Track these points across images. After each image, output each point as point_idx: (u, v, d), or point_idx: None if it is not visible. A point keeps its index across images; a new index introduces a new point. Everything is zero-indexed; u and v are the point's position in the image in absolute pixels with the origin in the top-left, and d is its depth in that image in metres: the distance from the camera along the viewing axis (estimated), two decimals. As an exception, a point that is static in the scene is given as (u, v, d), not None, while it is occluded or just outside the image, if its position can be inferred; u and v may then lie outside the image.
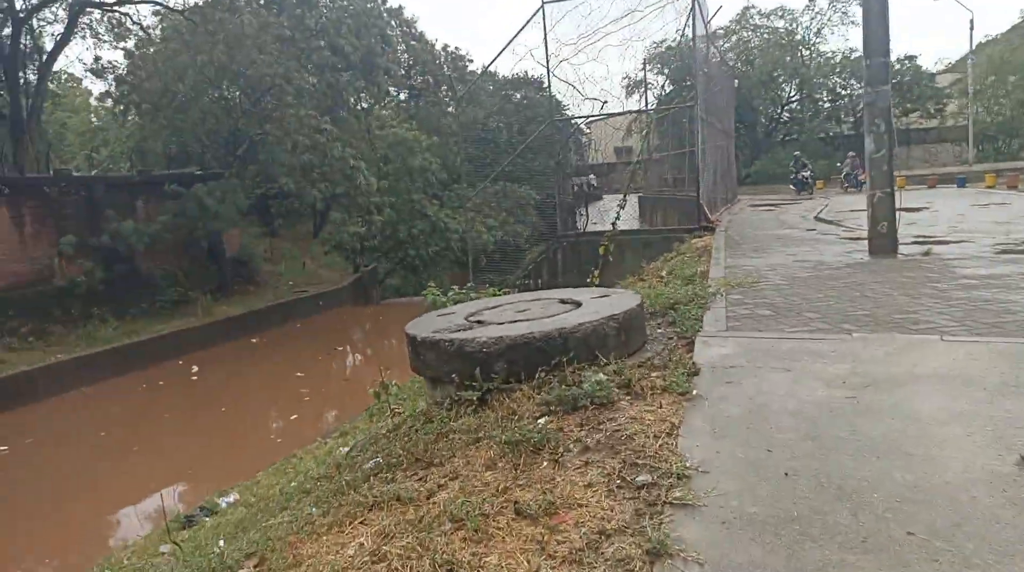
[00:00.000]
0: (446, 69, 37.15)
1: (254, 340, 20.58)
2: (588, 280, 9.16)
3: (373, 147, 24.44)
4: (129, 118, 27.15)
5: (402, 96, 39.08)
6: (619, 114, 22.23)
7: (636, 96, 37.62)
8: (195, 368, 17.52)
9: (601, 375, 3.71)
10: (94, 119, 38.07)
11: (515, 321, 4.30)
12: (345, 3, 27.21)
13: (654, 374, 3.79)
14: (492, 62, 29.19)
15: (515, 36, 13.63)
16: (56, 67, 29.24)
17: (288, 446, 11.37)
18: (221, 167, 23.77)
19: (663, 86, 38.20)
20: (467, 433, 3.47)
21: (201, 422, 13.54)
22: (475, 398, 3.79)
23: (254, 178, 21.65)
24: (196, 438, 12.75)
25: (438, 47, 37.54)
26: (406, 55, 35.49)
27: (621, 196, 11.31)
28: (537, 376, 3.77)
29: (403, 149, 26.73)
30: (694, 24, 16.94)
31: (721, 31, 43.60)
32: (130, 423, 13.79)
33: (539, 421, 3.40)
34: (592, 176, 38.94)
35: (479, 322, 4.46)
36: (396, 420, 5.01)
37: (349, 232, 21.49)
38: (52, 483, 10.94)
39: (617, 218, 9.90)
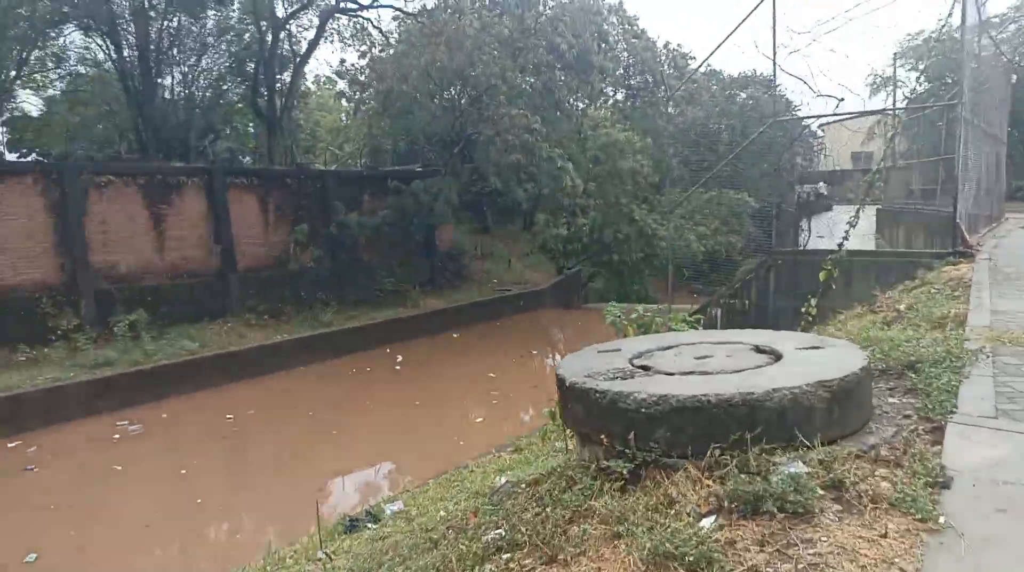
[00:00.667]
0: (667, 67, 35.75)
1: (455, 335, 21.18)
2: (803, 309, 7.80)
3: (584, 148, 24.09)
4: (360, 117, 29.56)
5: (619, 96, 38.42)
6: (858, 114, 19.55)
7: (883, 95, 33.38)
8: (400, 357, 18.35)
9: (800, 466, 2.74)
10: (344, 118, 42.26)
11: (689, 373, 3.43)
12: (565, 0, 27.12)
13: (879, 474, 2.72)
14: (712, 53, 27.25)
15: (739, 25, 12.27)
16: (307, 70, 32.66)
17: (469, 450, 11.23)
18: (440, 164, 24.89)
19: (917, 81, 33.46)
20: (607, 522, 2.71)
21: (396, 413, 14.00)
22: (625, 471, 3.01)
23: (469, 176, 22.33)
24: (389, 429, 13.18)
25: (659, 45, 36.27)
26: (626, 53, 34.70)
27: (854, 209, 9.59)
28: (709, 454, 2.89)
29: (614, 151, 26.01)
30: (964, 9, 14.24)
31: (996, 19, 37.21)
32: (335, 405, 14.68)
33: (702, 523, 2.54)
34: (822, 184, 35.30)
35: (644, 368, 3.64)
36: (546, 466, 4.35)
37: (551, 234, 21.33)
38: (261, 455, 11.87)
39: (846, 238, 8.33)
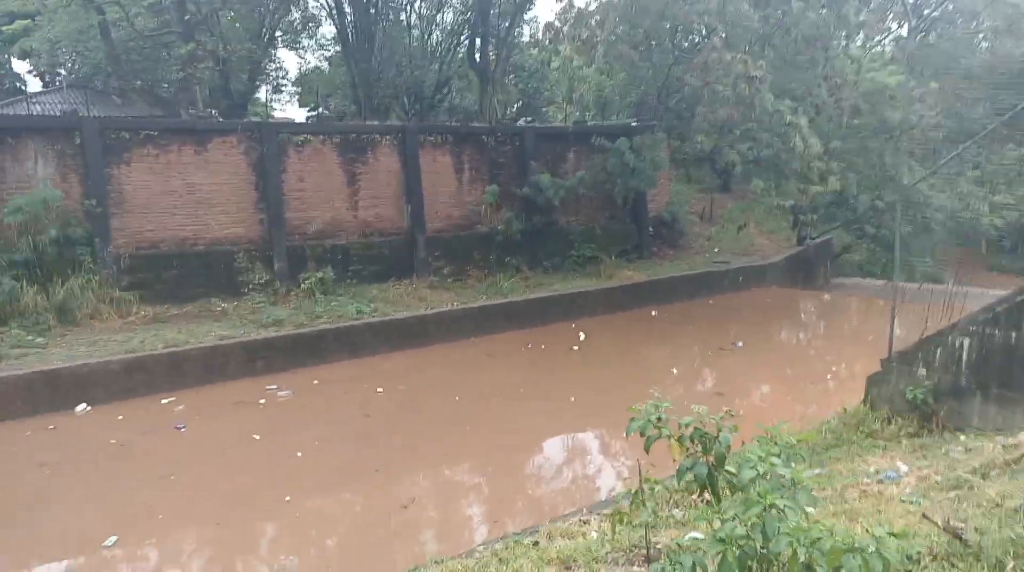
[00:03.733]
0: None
1: (653, 312, 18.46)
2: None
3: (838, 98, 19.31)
4: (591, 66, 27.18)
5: (904, 30, 31.20)
6: None
7: None
8: (582, 336, 16.25)
9: None
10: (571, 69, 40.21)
11: None
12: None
13: None
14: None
15: None
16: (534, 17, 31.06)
17: (584, 492, 8.99)
18: (656, 119, 21.85)
19: None
20: None
21: (544, 412, 11.98)
22: None
23: (682, 133, 19.12)
24: (523, 432, 11.21)
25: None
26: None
27: None
28: None
29: (881, 99, 20.68)
30: None
31: None
32: (489, 390, 13.07)
33: None
34: None
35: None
36: None
37: (770, 204, 17.39)
38: (387, 446, 10.66)
39: None
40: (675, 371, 13.84)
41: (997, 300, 8.06)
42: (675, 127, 22.06)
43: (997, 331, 7.92)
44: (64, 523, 8.30)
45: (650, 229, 22.17)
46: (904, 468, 6.51)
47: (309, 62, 31.94)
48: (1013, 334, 7.76)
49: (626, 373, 13.78)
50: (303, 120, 30.49)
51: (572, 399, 12.12)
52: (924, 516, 3.65)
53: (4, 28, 27.98)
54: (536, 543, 6.26)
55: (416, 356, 14.97)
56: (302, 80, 32.31)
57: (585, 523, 6.62)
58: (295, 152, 17.57)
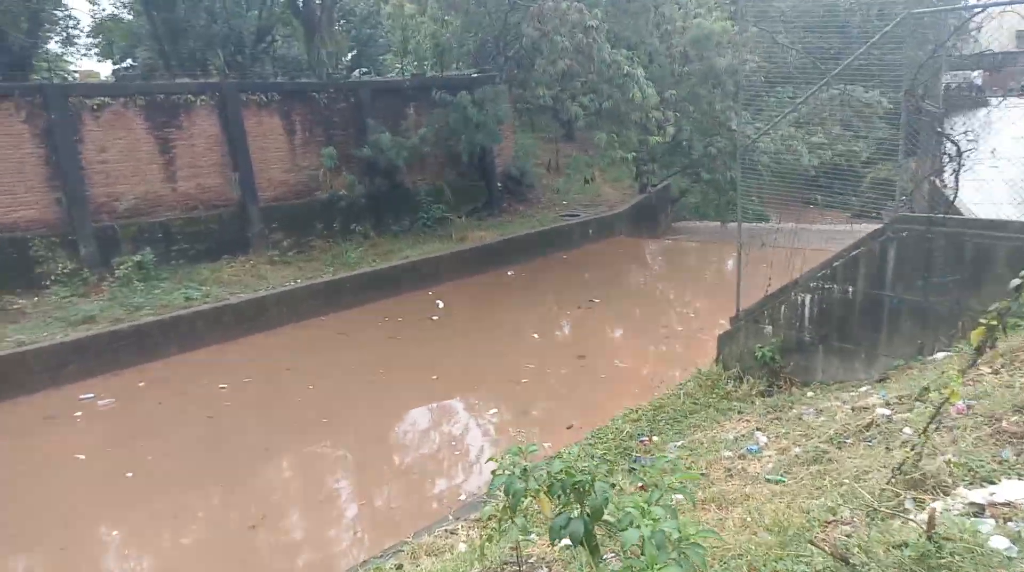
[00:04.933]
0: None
1: (509, 272, 18.24)
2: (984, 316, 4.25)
3: (668, 45, 19.65)
4: (423, 15, 25.82)
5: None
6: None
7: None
8: (439, 304, 15.70)
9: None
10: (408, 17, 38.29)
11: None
12: None
13: None
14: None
15: None
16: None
17: (469, 476, 8.61)
18: (496, 70, 21.21)
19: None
20: None
21: (406, 394, 11.42)
22: None
23: (523, 82, 18.65)
24: (384, 421, 10.62)
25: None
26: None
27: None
28: None
29: (708, 45, 21.32)
30: None
31: None
32: (343, 374, 12.22)
33: None
34: (976, 73, 28.84)
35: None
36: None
37: (613, 156, 17.55)
38: (236, 449, 9.63)
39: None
40: (536, 335, 13.69)
41: (833, 256, 8.42)
42: (516, 77, 21.60)
43: (835, 286, 8.29)
44: None
45: (499, 185, 21.78)
46: (763, 439, 6.65)
47: (104, 8, 27.84)
48: (849, 288, 8.15)
49: (488, 341, 13.46)
50: (108, 77, 26.76)
51: (435, 377, 11.60)
52: (811, 543, 3.51)
53: None
54: (400, 566, 5.79)
55: (260, 343, 13.75)
56: (100, 30, 28.18)
57: (452, 533, 6.22)
58: (92, 118, 15.21)
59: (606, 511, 3.28)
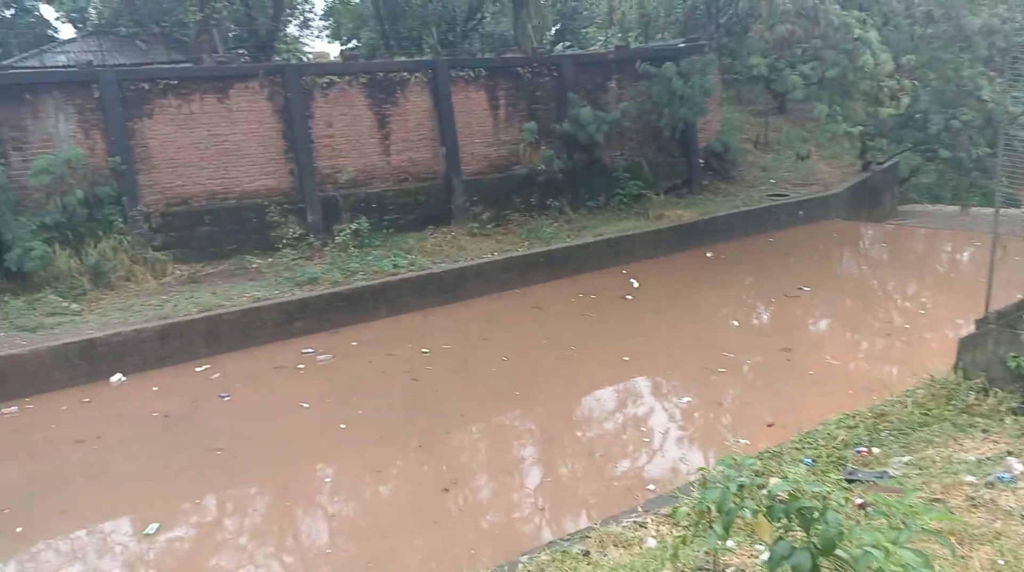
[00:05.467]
0: None
1: (708, 254, 17.38)
2: None
3: (909, 3, 17.30)
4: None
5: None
6: None
7: None
8: (634, 283, 15.34)
9: None
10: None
11: None
12: None
13: None
14: None
15: None
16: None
17: (657, 466, 8.32)
18: (705, 38, 20.11)
19: None
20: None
21: (599, 366, 11.30)
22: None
23: (733, 51, 17.47)
24: (577, 398, 10.57)
25: None
26: None
27: None
28: None
29: (959, 2, 18.54)
30: None
31: None
32: (536, 348, 12.29)
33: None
34: None
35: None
36: None
37: (835, 130, 15.77)
38: (435, 412, 10.13)
39: None
40: (735, 322, 12.90)
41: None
42: (726, 46, 20.33)
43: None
44: (104, 506, 8.04)
45: (700, 161, 20.75)
46: (1018, 466, 5.63)
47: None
48: None
49: (684, 325, 12.93)
50: (336, 57, 29.26)
51: (626, 358, 11.35)
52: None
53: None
54: (587, 553, 5.65)
55: (458, 311, 14.34)
56: (331, 13, 30.87)
57: (641, 526, 5.96)
58: (321, 95, 16.62)
59: (839, 545, 2.86)
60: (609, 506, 7.23)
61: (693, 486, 6.03)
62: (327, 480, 8.46)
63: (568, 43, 30.00)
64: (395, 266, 15.00)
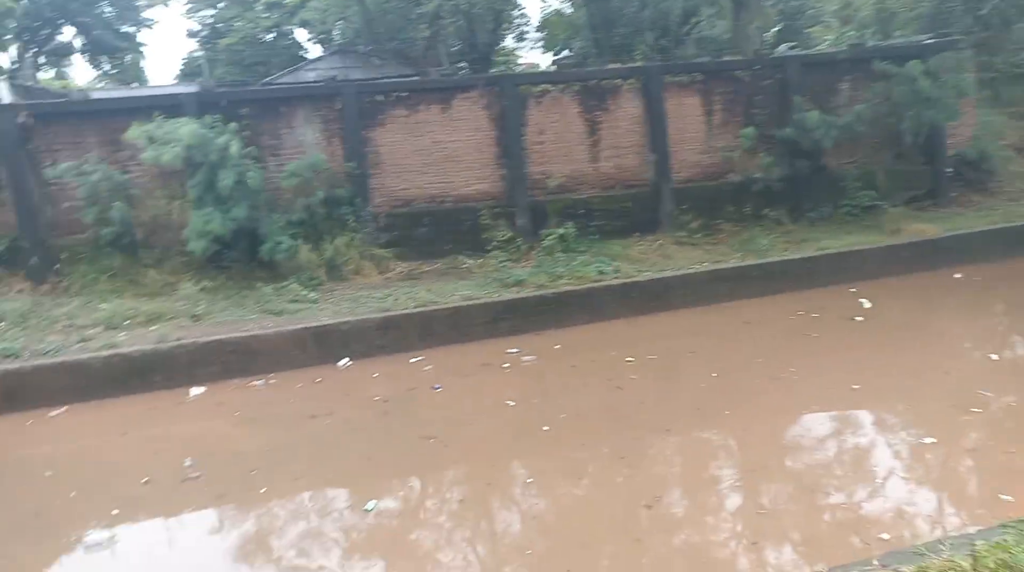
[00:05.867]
0: None
1: (957, 275, 15.19)
2: None
3: None
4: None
5: None
6: None
7: None
8: (865, 303, 13.78)
9: None
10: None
11: None
12: None
13: None
14: None
15: None
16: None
17: (891, 513, 7.32)
18: (958, 34, 17.73)
19: None
20: None
21: (822, 392, 10.26)
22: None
23: (992, 50, 15.21)
24: (793, 428, 9.66)
25: None
26: None
27: None
28: None
29: None
30: None
31: None
32: (746, 366, 11.48)
33: None
34: None
35: None
36: None
37: None
38: (641, 422, 9.83)
39: None
40: (994, 356, 11.10)
41: None
42: (985, 42, 17.79)
43: None
44: (331, 478, 8.72)
45: (949, 170, 18.30)
46: None
47: (550, 5, 31.29)
48: None
49: (927, 355, 11.35)
50: (548, 66, 30.01)
51: (856, 387, 10.17)
52: None
53: (286, 1, 30.96)
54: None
55: (662, 322, 13.85)
56: (545, 24, 31.83)
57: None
58: (534, 103, 17.00)
59: None
60: (830, 550, 6.46)
61: (943, 544, 5.16)
62: (529, 480, 8.45)
63: (792, 44, 28.12)
64: (600, 272, 14.85)
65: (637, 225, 17.29)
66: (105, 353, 11.52)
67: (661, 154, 17.37)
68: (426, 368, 12.17)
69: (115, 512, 8.13)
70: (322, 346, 12.55)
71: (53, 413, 11.02)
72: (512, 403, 10.50)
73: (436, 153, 16.61)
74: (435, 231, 16.51)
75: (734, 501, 8.00)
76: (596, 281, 14.52)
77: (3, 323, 12.62)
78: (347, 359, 12.54)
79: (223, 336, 12.11)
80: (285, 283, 14.41)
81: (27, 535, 7.79)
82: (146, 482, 8.74)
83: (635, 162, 17.59)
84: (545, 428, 9.66)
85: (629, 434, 9.40)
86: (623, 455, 8.85)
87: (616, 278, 14.71)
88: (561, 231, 16.39)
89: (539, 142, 17.10)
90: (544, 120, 17.07)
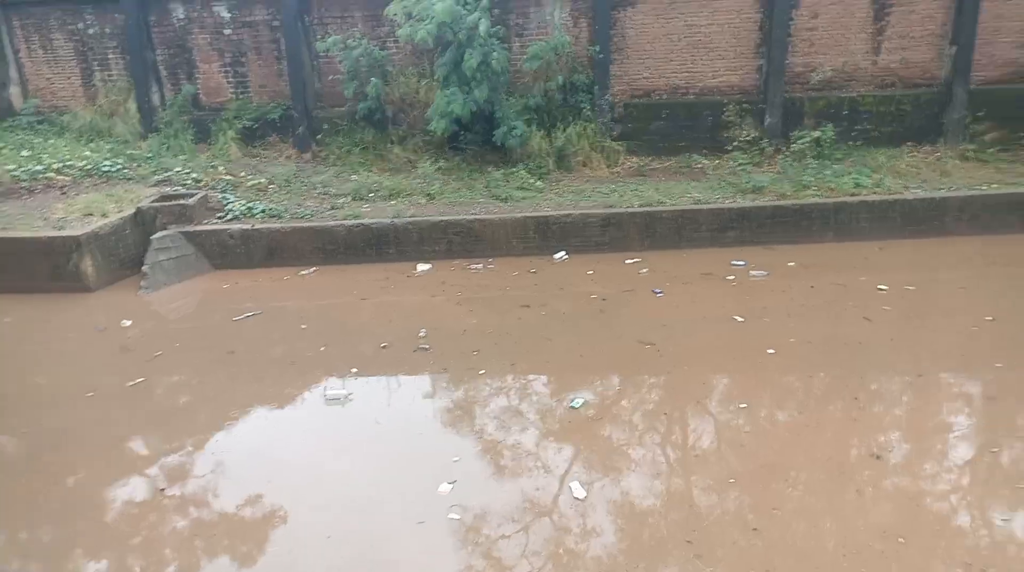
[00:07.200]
0: None
1: None
2: None
3: None
4: None
5: None
6: None
7: None
8: None
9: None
10: None
11: None
12: None
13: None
14: None
15: None
16: None
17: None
18: None
19: None
20: None
21: None
22: None
23: None
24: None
25: None
26: None
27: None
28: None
29: None
30: None
31: None
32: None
33: None
34: None
35: None
36: None
37: None
38: (907, 358, 8.69)
39: None
40: None
41: None
42: None
43: None
44: (541, 368, 8.82)
45: None
46: None
47: None
48: None
49: None
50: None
51: None
52: None
53: None
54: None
55: (927, 249, 11.88)
56: None
57: None
58: (814, -20, 14.70)
59: None
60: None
61: None
62: (743, 405, 7.85)
63: None
64: (857, 185, 12.97)
65: (912, 132, 14.77)
66: (350, 222, 12.56)
67: (965, 46, 14.33)
68: (642, 271, 11.69)
69: (354, 370, 8.98)
70: (541, 237, 12.55)
71: (304, 272, 12.40)
72: (741, 319, 9.76)
73: (686, 38, 15.22)
74: (672, 126, 15.46)
75: (988, 468, 6.79)
76: (851, 195, 12.72)
77: (272, 186, 14.28)
78: (563, 253, 12.46)
79: (450, 217, 12.57)
80: (514, 169, 14.49)
81: (283, 378, 8.92)
82: (384, 347, 9.52)
83: (927, 56, 14.74)
84: (770, 351, 8.87)
85: (869, 373, 8.31)
86: (857, 395, 7.86)
87: (876, 193, 12.76)
88: (817, 134, 14.49)
89: (810, 27, 14.91)
90: (822, 1, 14.76)
